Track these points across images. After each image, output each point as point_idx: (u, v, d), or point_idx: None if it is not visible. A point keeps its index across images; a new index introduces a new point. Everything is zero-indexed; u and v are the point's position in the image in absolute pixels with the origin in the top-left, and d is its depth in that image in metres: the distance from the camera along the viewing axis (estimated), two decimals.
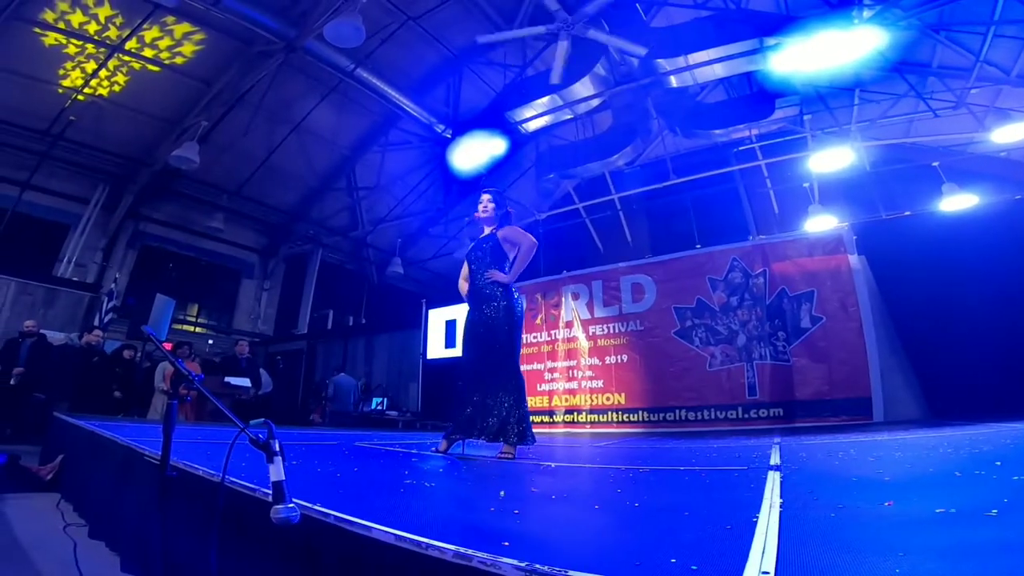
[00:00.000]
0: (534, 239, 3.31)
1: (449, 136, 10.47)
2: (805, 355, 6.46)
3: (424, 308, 10.02)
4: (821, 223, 8.85)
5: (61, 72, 8.43)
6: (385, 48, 9.33)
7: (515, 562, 0.89)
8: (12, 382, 6.50)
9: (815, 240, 6.97)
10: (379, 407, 9.82)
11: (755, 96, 8.51)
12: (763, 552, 0.94)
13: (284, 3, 8.16)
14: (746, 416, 6.58)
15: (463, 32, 9.85)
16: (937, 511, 1.24)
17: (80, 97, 8.81)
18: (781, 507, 1.34)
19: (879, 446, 3.43)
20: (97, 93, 8.91)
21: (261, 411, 7.27)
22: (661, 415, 7.12)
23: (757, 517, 1.21)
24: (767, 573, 0.84)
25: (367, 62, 9.01)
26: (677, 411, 7.01)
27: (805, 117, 9.25)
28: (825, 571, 0.86)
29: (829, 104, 9.35)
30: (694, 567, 0.86)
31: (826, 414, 6.11)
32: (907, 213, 7.36)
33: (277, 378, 9.90)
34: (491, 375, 3.11)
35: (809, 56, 6.89)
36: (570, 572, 0.85)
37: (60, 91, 8.64)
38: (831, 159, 8.89)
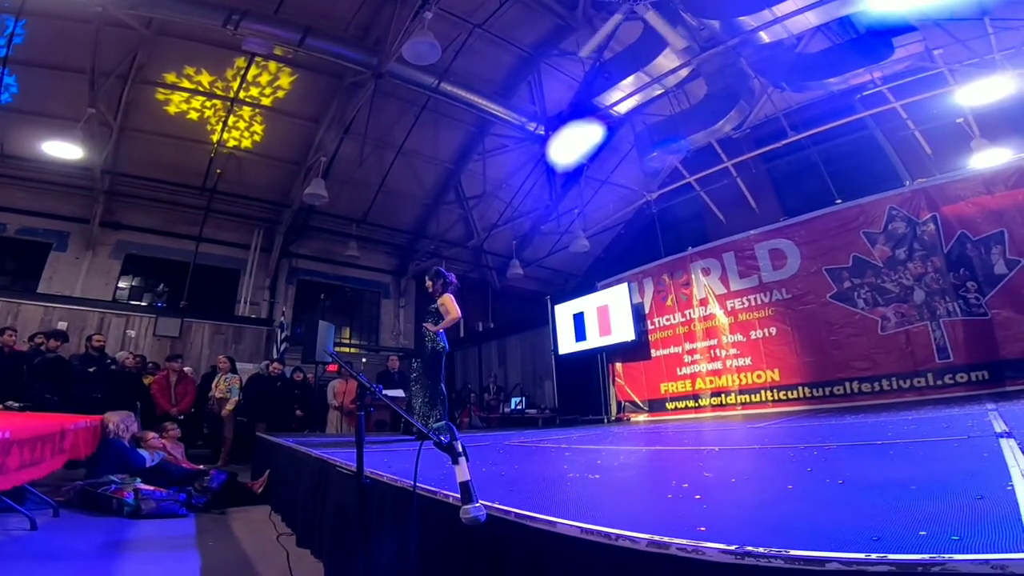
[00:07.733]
0: (458, 314, 4.96)
1: (542, 133, 10.51)
2: (1007, 305, 5.44)
3: (550, 304, 10.10)
4: (991, 157, 7.63)
5: (208, 128, 9.94)
6: (461, 59, 9.69)
7: (722, 546, 0.82)
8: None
9: (993, 174, 5.85)
10: (519, 407, 10.08)
11: (865, 38, 7.48)
12: None
13: (358, 34, 8.86)
14: (939, 383, 5.66)
15: (531, 29, 9.91)
16: None
17: (224, 150, 10.27)
18: None
19: None
20: (242, 146, 10.36)
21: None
22: (827, 389, 6.39)
23: (1012, 485, 1.06)
24: None
25: (448, 75, 9.44)
26: (846, 384, 6.24)
27: (935, 52, 8.11)
28: None
29: (958, 36, 7.94)
30: (955, 537, 0.76)
31: None
32: None
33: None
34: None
35: None
36: (791, 551, 0.76)
37: (210, 148, 10.10)
38: (984, 91, 7.74)
